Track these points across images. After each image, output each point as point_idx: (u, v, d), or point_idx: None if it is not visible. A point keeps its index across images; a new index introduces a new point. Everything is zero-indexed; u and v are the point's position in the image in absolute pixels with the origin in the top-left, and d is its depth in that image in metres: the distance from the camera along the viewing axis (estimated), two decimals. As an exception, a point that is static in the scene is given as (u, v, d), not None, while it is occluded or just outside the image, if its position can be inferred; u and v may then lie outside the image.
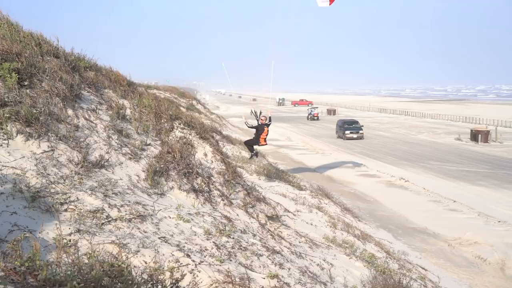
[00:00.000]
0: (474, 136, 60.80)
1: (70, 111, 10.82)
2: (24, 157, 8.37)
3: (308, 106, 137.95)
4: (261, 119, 21.16)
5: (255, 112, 21.44)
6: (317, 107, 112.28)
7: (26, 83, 10.46)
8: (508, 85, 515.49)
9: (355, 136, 64.58)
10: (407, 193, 31.92)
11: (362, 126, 67.81)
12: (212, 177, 12.85)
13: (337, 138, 66.70)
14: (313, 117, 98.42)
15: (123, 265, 4.75)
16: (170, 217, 9.23)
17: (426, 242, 21.58)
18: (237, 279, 6.83)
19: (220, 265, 7.59)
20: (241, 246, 9.29)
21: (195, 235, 8.85)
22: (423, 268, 16.63)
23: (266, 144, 21.76)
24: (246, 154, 30.59)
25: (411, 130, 76.90)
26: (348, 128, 65.76)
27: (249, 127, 21.40)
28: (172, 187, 11.10)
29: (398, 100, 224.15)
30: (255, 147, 21.77)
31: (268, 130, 21.22)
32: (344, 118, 79.38)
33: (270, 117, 21.44)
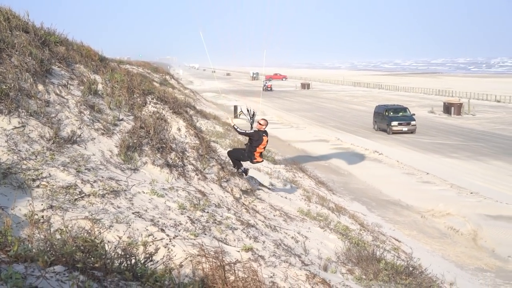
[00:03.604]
0: (447, 108, 61.31)
1: (40, 87, 10.68)
2: (-6, 133, 8.27)
3: (282, 80, 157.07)
4: (260, 124, 14.14)
5: (248, 111, 14.74)
6: (271, 79, 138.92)
7: (-6, 58, 10.29)
8: (466, 58, 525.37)
9: (405, 128, 46.79)
10: (381, 166, 32.18)
11: (414, 114, 49.48)
12: (186, 152, 12.83)
13: (377, 130, 49.52)
14: (266, 88, 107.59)
15: (96, 240, 4.74)
16: (144, 192, 9.21)
17: (400, 214, 21.83)
18: (212, 253, 6.85)
19: (194, 239, 7.61)
20: (215, 220, 9.32)
21: (169, 209, 8.85)
22: (396, 240, 16.84)
23: (262, 160, 15.13)
24: (220, 128, 30.47)
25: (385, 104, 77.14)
26: (395, 118, 47.56)
27: (240, 133, 14.06)
28: (146, 162, 11.07)
29: (369, 74, 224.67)
30: (247, 163, 14.68)
31: (267, 141, 14.34)
32: (387, 104, 55.27)
33: (254, 112, 14.55)
